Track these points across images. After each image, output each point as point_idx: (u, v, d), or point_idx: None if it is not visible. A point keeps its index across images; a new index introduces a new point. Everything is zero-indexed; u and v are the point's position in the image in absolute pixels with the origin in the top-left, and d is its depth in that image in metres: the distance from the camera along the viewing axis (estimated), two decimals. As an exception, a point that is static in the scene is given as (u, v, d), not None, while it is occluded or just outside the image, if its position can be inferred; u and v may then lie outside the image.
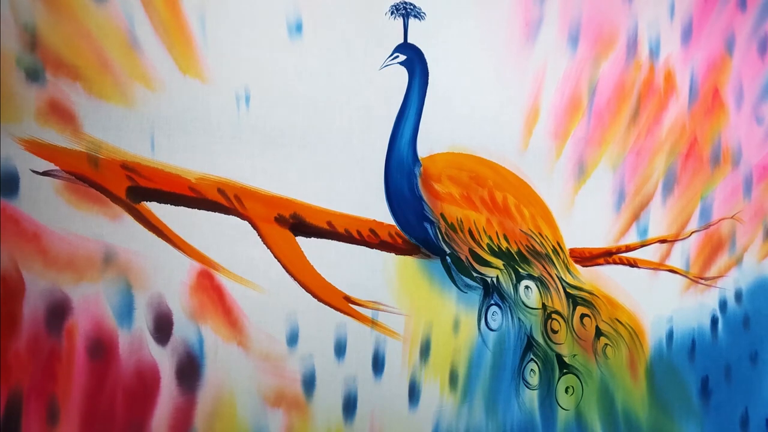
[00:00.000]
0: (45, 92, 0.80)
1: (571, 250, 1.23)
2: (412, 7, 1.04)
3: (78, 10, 0.82)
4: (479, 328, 1.13)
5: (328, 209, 0.99)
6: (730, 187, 1.44)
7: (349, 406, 1.01)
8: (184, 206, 0.89)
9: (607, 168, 1.26)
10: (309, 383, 0.98)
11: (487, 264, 1.14)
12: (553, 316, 1.21)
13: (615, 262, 1.29)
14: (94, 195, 0.83)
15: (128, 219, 0.85)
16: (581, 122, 1.23)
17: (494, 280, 1.14)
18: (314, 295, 0.98)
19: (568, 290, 1.23)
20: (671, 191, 1.35)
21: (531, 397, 1.18)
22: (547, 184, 1.19)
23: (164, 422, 0.87)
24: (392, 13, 1.03)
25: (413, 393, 1.07)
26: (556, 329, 1.21)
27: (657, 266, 1.34)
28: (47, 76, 0.80)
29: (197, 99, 0.89)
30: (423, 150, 1.07)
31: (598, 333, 1.27)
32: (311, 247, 0.98)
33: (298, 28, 0.96)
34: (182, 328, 0.88)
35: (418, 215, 1.07)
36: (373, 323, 1.03)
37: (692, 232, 1.39)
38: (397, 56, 1.04)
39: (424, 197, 1.07)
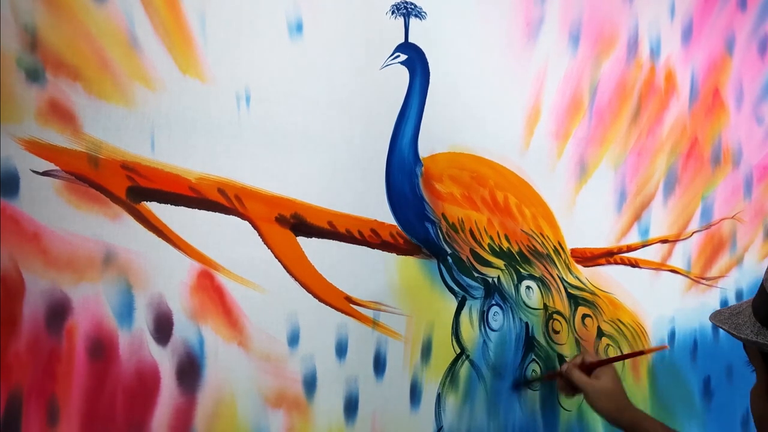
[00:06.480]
0: (45, 92, 0.80)
1: (573, 250, 1.23)
2: (413, 6, 1.04)
3: (78, 10, 0.82)
4: (480, 329, 1.12)
5: (329, 209, 0.99)
6: (731, 187, 1.44)
7: (351, 406, 1.01)
8: (184, 206, 0.88)
9: (609, 168, 1.26)
10: (310, 384, 0.97)
11: (488, 264, 1.13)
12: (555, 316, 1.21)
13: (616, 262, 1.28)
14: (94, 195, 0.83)
15: (128, 219, 0.85)
16: (582, 122, 1.23)
17: (495, 280, 1.14)
18: (315, 296, 0.97)
19: (569, 290, 1.22)
20: (672, 191, 1.35)
21: (533, 398, 1.18)
22: (548, 184, 1.19)
23: (164, 422, 0.87)
24: (393, 12, 1.03)
25: (415, 394, 1.07)
26: (558, 330, 1.21)
27: (659, 266, 1.34)
28: (47, 76, 0.80)
29: (197, 99, 0.89)
30: (424, 150, 1.07)
31: (600, 333, 1.26)
32: (312, 248, 0.97)
33: (299, 27, 0.96)
34: (182, 329, 0.88)
35: (419, 215, 1.07)
36: (374, 324, 1.03)
37: (693, 233, 1.39)
38: (398, 56, 1.04)
39: (426, 197, 1.07)
